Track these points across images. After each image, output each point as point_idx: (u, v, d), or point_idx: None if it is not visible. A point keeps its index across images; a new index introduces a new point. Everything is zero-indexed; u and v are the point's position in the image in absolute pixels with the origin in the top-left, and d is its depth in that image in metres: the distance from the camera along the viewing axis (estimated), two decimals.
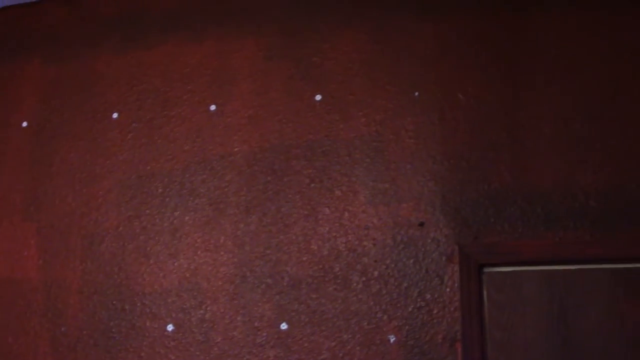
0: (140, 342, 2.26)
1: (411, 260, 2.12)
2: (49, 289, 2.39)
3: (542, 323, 2.00)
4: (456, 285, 2.07)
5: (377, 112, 2.26)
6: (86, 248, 2.40)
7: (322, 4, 2.41)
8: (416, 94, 2.25)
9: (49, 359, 2.31)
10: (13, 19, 2.73)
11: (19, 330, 2.38)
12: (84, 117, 2.53)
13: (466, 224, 2.11)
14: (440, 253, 2.11)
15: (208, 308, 2.24)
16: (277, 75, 2.38)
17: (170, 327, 2.25)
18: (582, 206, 2.04)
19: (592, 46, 2.15)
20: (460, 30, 2.26)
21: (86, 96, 2.56)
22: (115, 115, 2.50)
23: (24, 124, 2.59)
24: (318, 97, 2.33)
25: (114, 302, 2.32)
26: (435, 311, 2.07)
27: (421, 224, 2.14)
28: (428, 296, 2.08)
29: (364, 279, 2.14)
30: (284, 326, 2.16)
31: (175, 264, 2.30)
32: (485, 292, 2.06)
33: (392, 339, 2.07)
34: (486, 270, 2.08)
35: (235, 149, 2.35)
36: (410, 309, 2.08)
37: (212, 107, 2.41)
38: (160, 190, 2.39)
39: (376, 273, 2.14)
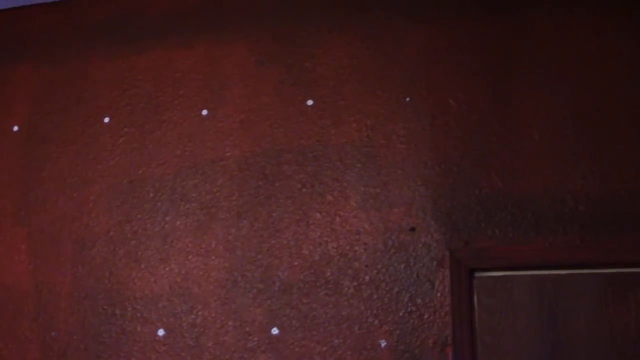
0: (131, 347, 2.26)
1: (402, 265, 2.13)
2: (40, 293, 2.38)
3: (532, 327, 2.01)
4: (447, 290, 2.07)
5: (369, 117, 2.27)
6: (77, 253, 2.39)
7: (313, 10, 2.41)
8: (407, 99, 2.26)
9: None
10: (4, 22, 2.72)
11: (8, 335, 2.37)
12: (75, 122, 2.53)
13: (457, 229, 2.12)
14: (431, 258, 2.12)
15: (199, 313, 2.23)
16: (268, 80, 2.39)
17: (161, 332, 2.25)
18: (572, 211, 2.05)
19: (583, 52, 2.16)
20: (451, 35, 2.27)
21: (77, 100, 2.55)
22: (106, 119, 2.50)
23: (15, 128, 2.59)
24: (310, 102, 2.33)
25: (105, 307, 2.32)
26: (426, 316, 2.07)
27: (412, 229, 2.15)
28: (419, 301, 2.09)
29: (355, 283, 2.15)
30: (275, 331, 2.16)
31: (167, 268, 2.30)
32: (475, 297, 2.07)
33: (383, 343, 2.08)
34: (477, 275, 2.09)
35: (227, 154, 2.35)
36: (401, 314, 2.09)
37: (204, 112, 2.41)
38: (151, 194, 2.39)
39: (367, 278, 2.14)
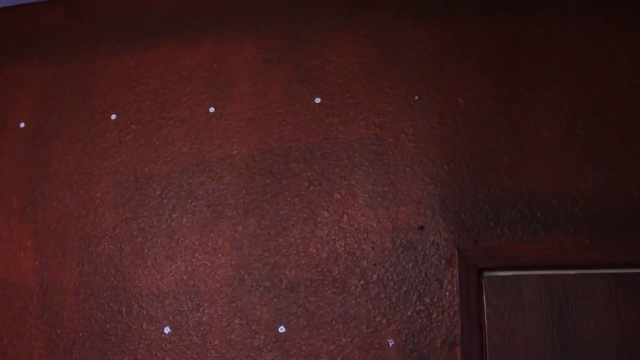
0: (136, 344, 2.25)
1: (410, 264, 2.11)
2: (45, 290, 2.37)
3: (542, 327, 1.99)
4: (455, 289, 2.06)
5: (377, 115, 2.26)
6: (83, 250, 2.38)
7: (321, 7, 2.40)
8: (416, 97, 2.25)
9: None
10: (11, 19, 2.72)
11: (14, 332, 2.36)
12: (82, 119, 2.52)
13: (466, 228, 2.10)
14: (440, 257, 2.10)
15: (205, 311, 2.22)
16: (276, 78, 2.38)
17: (167, 330, 2.24)
18: (582, 211, 2.04)
19: (593, 50, 2.15)
20: (460, 34, 2.26)
21: (84, 97, 2.54)
22: (113, 116, 2.49)
23: (22, 125, 2.58)
24: (317, 100, 2.32)
25: (111, 304, 2.31)
26: (434, 315, 2.06)
27: (421, 228, 2.13)
28: (427, 300, 2.07)
29: (362, 282, 2.13)
30: (282, 329, 2.15)
31: (173, 266, 2.29)
32: (484, 297, 2.05)
33: (391, 342, 2.06)
34: (486, 274, 2.07)
35: (234, 152, 2.34)
36: (409, 313, 2.07)
37: (211, 109, 2.40)
38: (158, 192, 2.38)
39: (375, 276, 2.13)
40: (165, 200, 2.36)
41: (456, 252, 2.08)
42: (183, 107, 2.44)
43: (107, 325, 2.29)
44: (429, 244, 2.12)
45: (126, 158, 2.44)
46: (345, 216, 2.20)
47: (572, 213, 2.04)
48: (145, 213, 2.36)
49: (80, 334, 2.30)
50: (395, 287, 2.10)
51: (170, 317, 2.24)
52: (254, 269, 2.22)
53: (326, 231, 2.20)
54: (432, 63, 2.26)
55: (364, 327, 2.10)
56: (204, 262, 2.27)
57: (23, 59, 2.66)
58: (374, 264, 2.14)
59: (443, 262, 2.09)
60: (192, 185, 2.35)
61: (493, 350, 2.01)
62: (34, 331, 2.34)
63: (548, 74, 2.16)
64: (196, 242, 2.29)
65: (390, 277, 2.12)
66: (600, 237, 2.01)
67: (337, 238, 2.18)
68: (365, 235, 2.16)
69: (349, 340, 2.10)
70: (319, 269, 2.17)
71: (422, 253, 2.11)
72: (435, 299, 2.07)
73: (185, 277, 2.27)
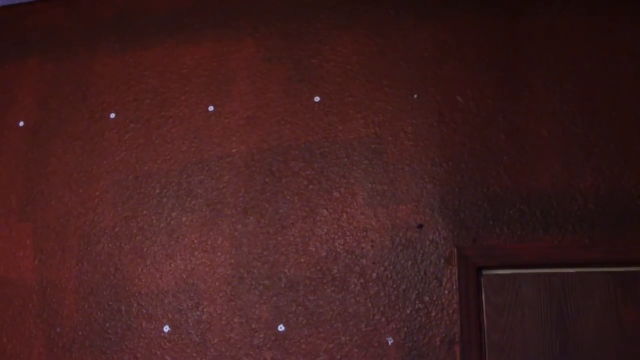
0: (136, 343, 2.25)
1: (409, 263, 2.12)
2: (45, 289, 2.37)
3: (541, 326, 2.00)
4: (454, 287, 2.06)
5: (376, 114, 2.26)
6: (82, 248, 2.38)
7: (321, 6, 2.40)
8: (415, 96, 2.25)
9: None
10: (11, 18, 2.72)
11: (13, 331, 2.36)
12: (81, 117, 2.52)
13: (465, 227, 2.10)
14: (439, 255, 2.10)
15: (205, 309, 2.22)
16: (275, 77, 2.38)
17: (166, 328, 2.24)
18: (581, 209, 2.04)
19: (591, 49, 2.15)
20: (459, 32, 2.26)
21: (83, 96, 2.54)
22: (112, 115, 2.49)
23: (21, 123, 2.58)
24: (317, 99, 2.32)
25: (110, 303, 2.31)
26: (433, 313, 2.06)
27: (420, 226, 2.13)
28: (426, 298, 2.08)
29: (362, 280, 2.13)
30: (281, 328, 2.15)
31: (172, 264, 2.29)
32: (483, 295, 2.05)
33: (390, 341, 2.07)
34: (485, 272, 2.07)
35: (233, 150, 2.34)
36: (408, 311, 2.08)
37: (210, 108, 2.40)
38: (157, 190, 2.38)
39: (374, 275, 2.13)
40: (165, 199, 2.36)
41: (455, 250, 2.09)
42: (182, 106, 2.44)
43: (107, 324, 2.29)
44: (428, 243, 2.12)
45: (125, 157, 2.44)
46: (344, 215, 2.20)
47: (571, 211, 2.04)
48: (145, 212, 2.36)
49: (80, 333, 2.30)
50: (394, 286, 2.11)
51: (170, 316, 2.24)
52: (253, 268, 2.22)
53: (325, 230, 2.20)
54: (431, 62, 2.26)
55: (363, 325, 2.10)
56: (203, 260, 2.27)
57: (22, 57, 2.65)
58: (373, 263, 2.14)
59: (442, 260, 2.10)
60: (191, 184, 2.35)
61: (492, 348, 2.01)
62: (34, 330, 2.34)
63: (547, 73, 2.16)
64: (195, 241, 2.29)
65: (389, 276, 2.12)
66: (599, 235, 2.01)
67: (336, 236, 2.18)
68: (365, 233, 2.17)
69: (348, 338, 2.10)
70: (318, 268, 2.17)
71: (421, 251, 2.12)
72: (435, 297, 2.07)
73: (184, 276, 2.27)
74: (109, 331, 2.28)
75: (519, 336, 2.00)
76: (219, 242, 2.27)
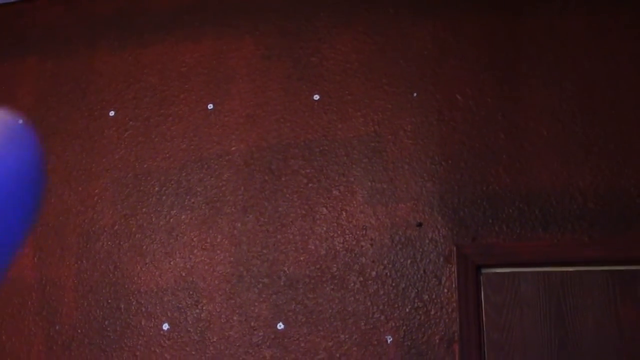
0: (135, 341, 2.25)
1: (409, 261, 2.12)
2: (44, 287, 2.37)
3: (540, 324, 2.00)
4: (454, 286, 2.06)
5: (375, 112, 2.26)
6: (82, 246, 2.38)
7: (320, 4, 2.40)
8: (414, 94, 2.25)
9: (43, 358, 2.29)
10: (10, 16, 2.72)
11: (13, 329, 2.36)
12: (81, 115, 2.52)
13: (464, 225, 2.11)
14: (438, 254, 2.10)
15: (204, 307, 2.23)
16: (275, 75, 2.38)
17: (165, 326, 2.24)
18: (580, 208, 2.04)
19: (591, 48, 2.15)
20: (458, 31, 2.26)
21: (83, 94, 2.54)
22: (112, 113, 2.49)
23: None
24: (316, 97, 2.32)
25: (109, 301, 2.31)
26: (432, 312, 2.06)
27: (419, 225, 2.13)
28: (425, 297, 2.08)
29: (361, 279, 2.14)
30: (280, 326, 2.15)
31: (171, 262, 2.29)
32: (482, 293, 2.06)
33: (390, 339, 2.07)
34: (484, 271, 2.07)
35: (233, 148, 2.34)
36: (407, 310, 2.08)
37: (210, 106, 2.40)
38: (156, 188, 2.38)
39: (374, 273, 2.13)
40: (164, 197, 2.36)
41: (454, 249, 2.09)
42: (182, 104, 2.44)
43: (106, 322, 2.29)
44: (427, 241, 2.12)
45: (125, 154, 2.44)
46: (343, 213, 2.20)
47: (570, 210, 2.05)
48: (144, 210, 2.36)
49: (79, 330, 2.30)
50: (393, 284, 2.11)
51: (169, 314, 2.25)
52: (253, 266, 2.22)
53: (325, 228, 2.20)
54: (430, 60, 2.27)
55: (363, 323, 2.10)
56: (203, 258, 2.27)
57: (22, 55, 2.65)
58: (373, 261, 2.14)
59: (441, 258, 2.10)
60: (190, 182, 2.35)
61: (491, 346, 2.01)
62: (33, 327, 2.34)
63: (547, 71, 2.17)
64: (195, 239, 2.29)
65: (388, 274, 2.12)
66: (598, 234, 2.01)
67: (335, 235, 2.18)
68: (364, 232, 2.17)
69: (347, 336, 2.10)
70: (318, 266, 2.17)
71: (421, 250, 2.12)
72: (434, 296, 2.07)
73: (183, 274, 2.27)
74: (108, 329, 2.28)
75: (518, 334, 2.01)
76: (218, 240, 2.27)
